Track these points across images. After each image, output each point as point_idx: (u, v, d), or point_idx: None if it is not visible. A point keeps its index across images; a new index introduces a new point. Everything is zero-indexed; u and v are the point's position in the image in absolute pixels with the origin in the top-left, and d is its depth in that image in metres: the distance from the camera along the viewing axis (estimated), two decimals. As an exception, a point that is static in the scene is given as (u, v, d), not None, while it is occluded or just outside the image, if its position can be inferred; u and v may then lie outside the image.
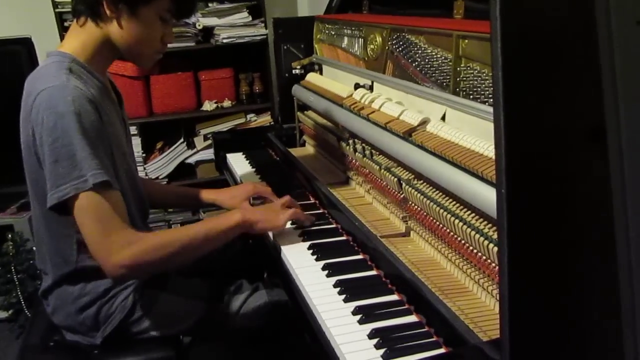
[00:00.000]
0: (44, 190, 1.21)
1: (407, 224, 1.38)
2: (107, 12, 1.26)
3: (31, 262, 2.50)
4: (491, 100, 1.10)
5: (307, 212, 1.56)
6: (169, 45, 1.40)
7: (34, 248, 2.56)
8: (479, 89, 1.15)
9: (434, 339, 1.02)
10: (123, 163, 1.35)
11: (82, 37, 1.30)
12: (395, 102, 1.48)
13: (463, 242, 1.13)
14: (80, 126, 1.17)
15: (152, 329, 1.40)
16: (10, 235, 2.57)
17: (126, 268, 1.20)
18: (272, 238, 1.45)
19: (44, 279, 1.41)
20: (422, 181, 1.29)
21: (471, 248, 1.10)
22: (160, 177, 3.14)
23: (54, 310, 1.39)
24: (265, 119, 3.24)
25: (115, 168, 1.28)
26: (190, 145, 3.20)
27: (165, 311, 1.41)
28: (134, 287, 1.38)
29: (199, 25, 2.98)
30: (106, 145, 1.24)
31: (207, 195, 1.67)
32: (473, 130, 1.15)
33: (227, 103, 3.22)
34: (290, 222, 1.45)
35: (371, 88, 1.65)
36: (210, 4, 3.04)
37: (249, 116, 3.24)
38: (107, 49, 1.32)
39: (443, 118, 1.28)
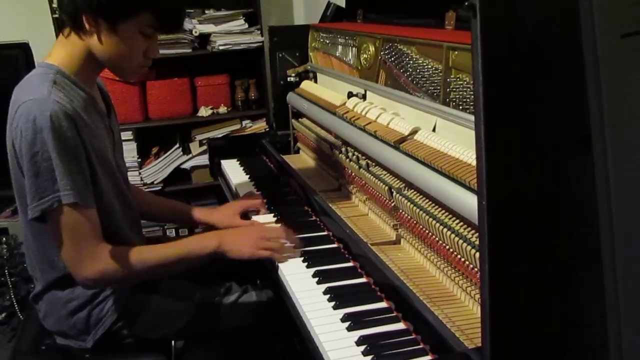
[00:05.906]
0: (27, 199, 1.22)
1: (397, 231, 1.40)
2: (87, 26, 1.24)
3: (24, 265, 2.51)
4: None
5: (300, 220, 1.57)
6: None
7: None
8: (468, 100, 1.17)
9: (420, 346, 1.03)
10: (108, 174, 1.34)
11: (67, 48, 1.29)
12: (387, 111, 1.50)
13: (451, 250, 1.14)
14: (56, 142, 1.17)
15: (144, 331, 1.41)
16: (4, 239, 2.57)
17: (93, 281, 1.27)
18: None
19: (35, 284, 1.42)
20: (412, 190, 1.31)
21: (459, 256, 1.12)
22: (155, 182, 3.15)
23: (45, 315, 1.40)
24: (260, 126, 3.25)
25: (96, 181, 1.29)
26: (186, 150, 3.21)
27: (156, 313, 1.43)
28: (125, 291, 1.39)
29: (196, 32, 3.00)
30: (82, 162, 1.24)
31: (199, 214, 1.68)
32: (462, 141, 1.16)
33: (222, 109, 3.23)
34: None
35: (364, 97, 1.67)
36: (207, 11, 3.06)
37: (244, 122, 3.25)
38: (92, 60, 1.30)
39: (434, 128, 1.30)
